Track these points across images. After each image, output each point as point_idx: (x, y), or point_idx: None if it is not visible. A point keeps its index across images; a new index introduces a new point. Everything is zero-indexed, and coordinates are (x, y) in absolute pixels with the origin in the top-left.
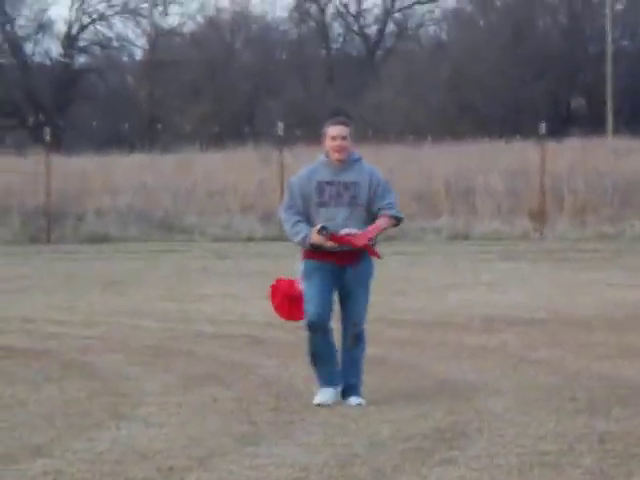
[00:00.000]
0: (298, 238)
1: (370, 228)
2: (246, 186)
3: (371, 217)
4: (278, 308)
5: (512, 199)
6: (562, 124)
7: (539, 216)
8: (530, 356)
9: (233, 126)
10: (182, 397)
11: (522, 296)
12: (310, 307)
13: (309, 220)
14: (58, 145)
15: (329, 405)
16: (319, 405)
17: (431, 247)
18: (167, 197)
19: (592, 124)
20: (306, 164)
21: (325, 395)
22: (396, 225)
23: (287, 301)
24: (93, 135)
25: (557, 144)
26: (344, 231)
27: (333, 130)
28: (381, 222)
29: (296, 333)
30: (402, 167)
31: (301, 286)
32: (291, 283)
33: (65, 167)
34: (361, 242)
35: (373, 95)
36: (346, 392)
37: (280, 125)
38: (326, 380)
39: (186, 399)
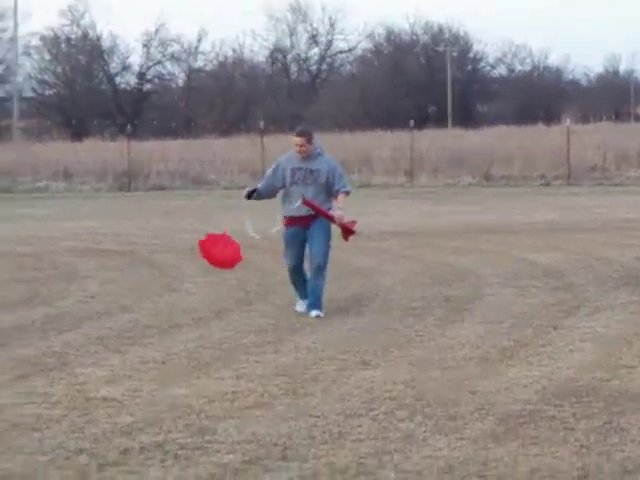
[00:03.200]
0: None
1: (341, 215)
2: (242, 158)
3: (329, 191)
4: (215, 262)
5: (394, 163)
6: (423, 121)
7: (410, 173)
8: (405, 253)
9: (234, 123)
10: (206, 278)
11: (401, 219)
12: (289, 258)
13: (277, 188)
14: (134, 135)
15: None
16: (301, 312)
17: None
18: (197, 164)
19: (440, 121)
20: (275, 145)
21: (302, 305)
22: (348, 195)
23: (216, 253)
24: (154, 129)
25: (420, 132)
26: (337, 213)
27: (295, 140)
28: (340, 201)
29: (271, 239)
30: (332, 146)
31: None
32: (212, 240)
33: (138, 147)
34: (346, 225)
35: (315, 106)
36: (310, 306)
37: (261, 123)
38: (301, 296)
39: (209, 279)
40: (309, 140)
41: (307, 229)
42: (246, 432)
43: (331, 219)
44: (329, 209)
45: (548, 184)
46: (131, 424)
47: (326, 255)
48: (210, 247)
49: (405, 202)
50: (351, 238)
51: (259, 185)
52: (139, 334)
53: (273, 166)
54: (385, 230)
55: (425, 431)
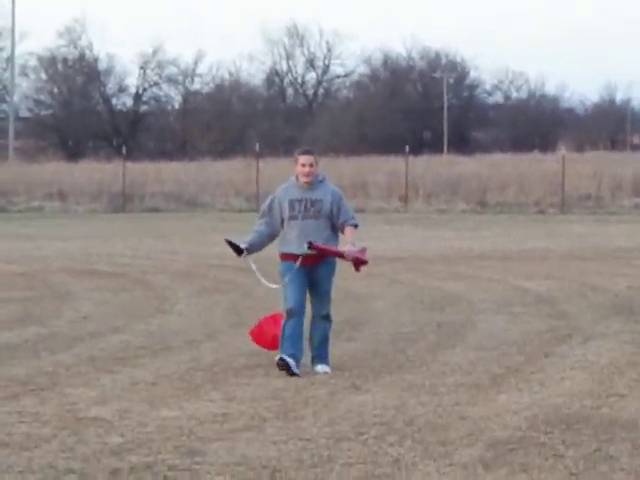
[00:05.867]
0: (240, 242)
1: (351, 249)
2: (237, 180)
3: (333, 224)
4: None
5: (389, 189)
6: (418, 147)
7: (404, 199)
8: (398, 278)
9: (230, 146)
10: (199, 300)
11: (394, 244)
12: (290, 297)
13: (278, 227)
14: (130, 156)
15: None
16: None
17: None
18: (192, 186)
19: (435, 147)
20: (270, 168)
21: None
22: (356, 229)
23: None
24: (149, 151)
25: (415, 158)
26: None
27: (302, 159)
28: (349, 236)
29: (263, 261)
30: (327, 170)
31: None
32: (273, 321)
33: (133, 169)
34: (357, 256)
35: (310, 130)
36: (315, 359)
37: (257, 146)
38: (285, 350)
39: (201, 301)
40: (317, 160)
41: (310, 269)
42: (236, 454)
43: (341, 256)
44: (335, 245)
45: (542, 212)
46: (121, 444)
47: (330, 303)
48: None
49: (399, 227)
50: (363, 268)
51: (248, 238)
52: (130, 355)
53: (268, 201)
54: (379, 255)
55: (415, 456)
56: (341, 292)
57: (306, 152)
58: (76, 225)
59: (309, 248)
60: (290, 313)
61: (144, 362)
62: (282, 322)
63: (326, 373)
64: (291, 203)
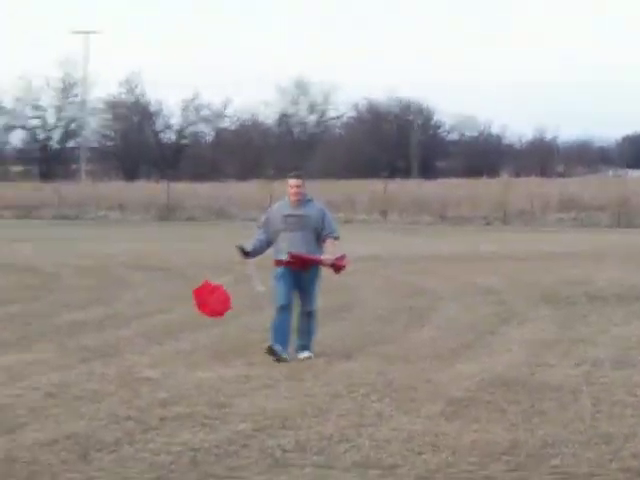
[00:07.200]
0: (246, 246)
1: (329, 257)
2: (257, 197)
3: (318, 236)
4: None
5: (371, 205)
6: (393, 173)
7: (383, 213)
8: (378, 273)
9: (249, 171)
10: (225, 288)
11: (376, 247)
12: (279, 296)
13: (274, 237)
14: (173, 178)
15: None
16: (270, 348)
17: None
18: (221, 200)
19: (407, 173)
20: (281, 188)
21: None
22: (336, 240)
23: (208, 301)
24: (188, 174)
25: (391, 181)
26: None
27: (292, 182)
28: (329, 247)
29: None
30: (324, 190)
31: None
32: (207, 289)
33: (176, 187)
34: (336, 263)
35: (311, 159)
36: (299, 348)
37: (271, 172)
38: (276, 339)
39: (227, 289)
40: (304, 183)
41: (299, 273)
42: (255, 406)
43: (320, 262)
44: (319, 253)
45: (489, 224)
46: (167, 398)
47: (316, 302)
48: (205, 296)
49: (379, 234)
50: (342, 272)
51: (250, 245)
52: (174, 330)
53: (265, 216)
54: (363, 255)
55: (391, 410)
56: (333, 284)
57: (295, 176)
58: (132, 231)
59: (289, 257)
60: (279, 309)
61: (184, 335)
62: (274, 315)
63: (309, 357)
64: (285, 218)
